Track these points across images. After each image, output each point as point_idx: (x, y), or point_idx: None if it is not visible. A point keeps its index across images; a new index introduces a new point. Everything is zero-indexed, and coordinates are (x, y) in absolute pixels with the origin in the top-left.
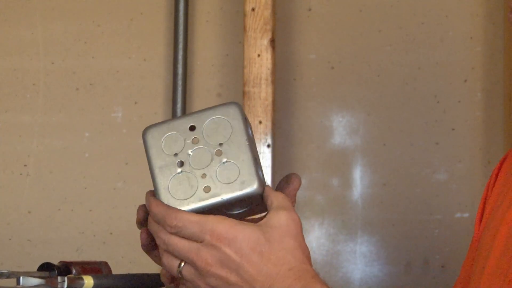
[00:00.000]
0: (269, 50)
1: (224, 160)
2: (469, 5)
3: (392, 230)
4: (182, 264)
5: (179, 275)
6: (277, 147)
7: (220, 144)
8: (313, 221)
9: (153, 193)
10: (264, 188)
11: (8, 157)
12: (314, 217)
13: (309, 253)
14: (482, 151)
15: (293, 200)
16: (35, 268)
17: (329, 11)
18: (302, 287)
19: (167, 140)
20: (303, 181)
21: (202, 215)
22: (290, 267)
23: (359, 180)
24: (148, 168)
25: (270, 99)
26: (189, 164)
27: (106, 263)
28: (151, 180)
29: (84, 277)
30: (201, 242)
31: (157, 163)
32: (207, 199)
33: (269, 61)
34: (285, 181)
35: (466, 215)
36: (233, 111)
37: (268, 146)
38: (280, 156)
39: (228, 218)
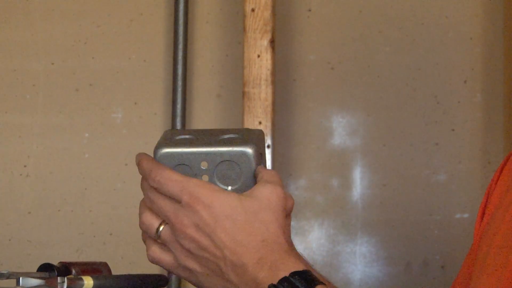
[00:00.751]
0: (269, 51)
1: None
2: (469, 6)
3: (392, 231)
4: (162, 226)
5: (157, 237)
6: (277, 148)
7: (228, 187)
8: (313, 222)
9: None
10: (256, 162)
11: (8, 157)
12: (314, 217)
13: (289, 230)
14: (482, 152)
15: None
16: (35, 269)
17: (329, 12)
18: (275, 257)
19: (178, 171)
20: (303, 182)
21: (186, 176)
22: (263, 239)
23: (359, 180)
24: None
25: (270, 99)
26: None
27: (106, 264)
28: None
29: (84, 277)
30: (179, 202)
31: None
32: None
33: (269, 61)
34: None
35: (466, 215)
36: (246, 161)
37: (268, 146)
38: (280, 157)
39: (210, 183)
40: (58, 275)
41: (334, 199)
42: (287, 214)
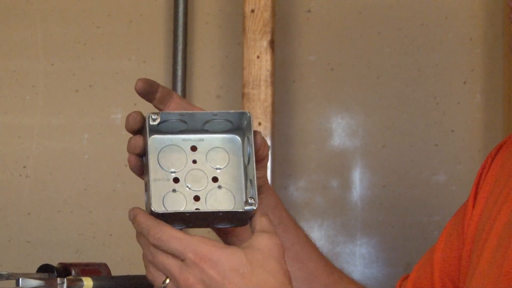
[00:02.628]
0: (269, 52)
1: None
2: (469, 7)
3: (391, 232)
4: (167, 280)
5: (165, 286)
6: (277, 148)
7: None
8: (312, 223)
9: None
10: (250, 211)
11: (8, 158)
12: (314, 218)
13: (290, 276)
14: (482, 153)
15: (266, 162)
16: (34, 270)
17: (328, 13)
18: None
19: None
20: (302, 182)
21: (187, 234)
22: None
23: (358, 181)
24: (144, 169)
25: (269, 100)
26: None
27: (105, 265)
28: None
29: (84, 278)
30: (183, 260)
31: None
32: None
33: (269, 62)
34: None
35: None
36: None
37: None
38: (279, 157)
39: (211, 239)
40: (57, 276)
41: (334, 200)
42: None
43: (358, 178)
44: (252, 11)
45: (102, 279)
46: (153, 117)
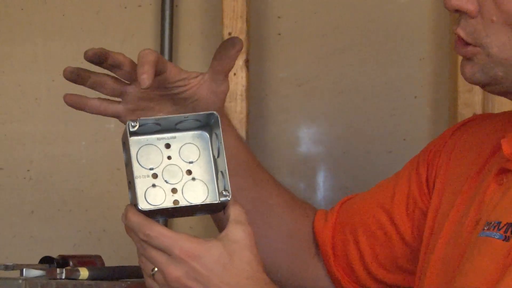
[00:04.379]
0: (244, 70)
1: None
2: (420, 30)
3: None
4: (155, 269)
5: (152, 276)
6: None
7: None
8: None
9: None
10: (224, 202)
11: (13, 163)
12: None
13: (262, 262)
14: None
15: (233, 61)
16: (37, 262)
17: (296, 35)
18: None
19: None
20: None
21: (173, 231)
22: (248, 276)
23: (322, 183)
24: (127, 170)
25: (244, 112)
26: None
27: (99, 257)
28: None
29: (80, 268)
30: (169, 255)
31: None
32: (175, 204)
33: (244, 79)
34: (230, 44)
35: None
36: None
37: None
38: None
39: (194, 236)
40: (57, 267)
41: (302, 197)
42: None
43: (322, 180)
44: (230, 34)
45: (96, 269)
46: (132, 124)
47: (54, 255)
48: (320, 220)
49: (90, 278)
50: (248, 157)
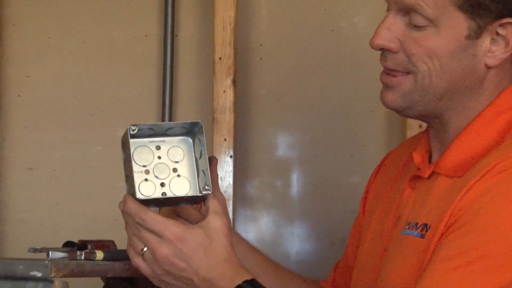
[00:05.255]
0: (232, 88)
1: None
2: (376, 58)
3: (319, 217)
4: (145, 248)
5: (141, 254)
6: (237, 157)
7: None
8: (262, 211)
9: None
10: (205, 195)
11: (42, 164)
12: (264, 208)
13: (234, 249)
14: None
15: (216, 180)
16: (60, 245)
17: (275, 60)
18: (232, 272)
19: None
20: (256, 183)
21: (164, 217)
22: (224, 259)
23: (295, 181)
24: (125, 166)
25: (232, 122)
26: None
27: (112, 241)
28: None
29: (96, 251)
30: (160, 236)
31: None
32: (163, 195)
33: (232, 95)
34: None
35: None
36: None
37: (231, 157)
38: (239, 164)
39: (181, 223)
40: (77, 250)
41: (278, 195)
42: None
43: (295, 179)
44: (220, 58)
45: (110, 251)
46: (132, 128)
47: (75, 240)
48: (324, 282)
49: (105, 259)
50: (263, 257)
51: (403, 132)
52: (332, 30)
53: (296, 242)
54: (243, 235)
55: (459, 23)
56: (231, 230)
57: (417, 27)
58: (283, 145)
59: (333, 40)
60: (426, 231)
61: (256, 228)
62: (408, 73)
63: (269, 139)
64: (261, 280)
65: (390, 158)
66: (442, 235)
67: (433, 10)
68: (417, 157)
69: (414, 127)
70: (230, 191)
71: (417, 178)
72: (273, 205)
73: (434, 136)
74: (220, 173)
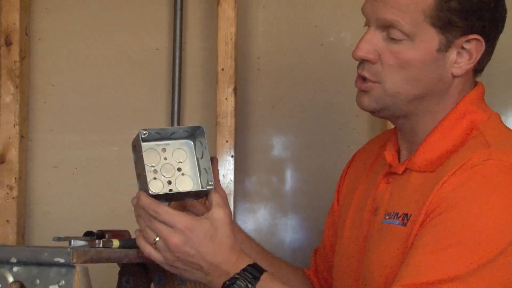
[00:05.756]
0: (233, 95)
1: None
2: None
3: (309, 210)
4: (157, 239)
5: (153, 244)
6: (238, 157)
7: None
8: (260, 205)
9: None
10: (208, 190)
11: (65, 163)
12: (261, 202)
13: (236, 238)
14: None
15: (218, 178)
16: (81, 235)
17: (271, 70)
18: (236, 258)
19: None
20: (255, 179)
21: (175, 210)
22: (228, 246)
23: (289, 178)
24: (136, 166)
25: (233, 126)
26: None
27: (127, 231)
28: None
29: (113, 240)
30: (172, 227)
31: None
32: (171, 191)
33: (233, 102)
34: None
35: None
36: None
37: (232, 156)
38: (239, 163)
39: (190, 214)
40: (96, 238)
41: (274, 190)
42: None
43: (289, 176)
44: (222, 69)
45: (125, 240)
46: (143, 132)
47: (94, 230)
48: (307, 270)
49: (121, 246)
50: (258, 246)
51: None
52: (322, 44)
53: (289, 231)
54: (243, 225)
55: (431, 38)
56: (232, 220)
57: (394, 41)
58: (278, 146)
59: (322, 53)
60: (407, 220)
61: (255, 220)
62: (378, 82)
63: (265, 141)
64: None
65: (359, 155)
66: (421, 223)
67: (410, 26)
68: (388, 156)
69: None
70: (231, 186)
71: (391, 174)
72: (269, 199)
73: (402, 137)
74: (222, 171)
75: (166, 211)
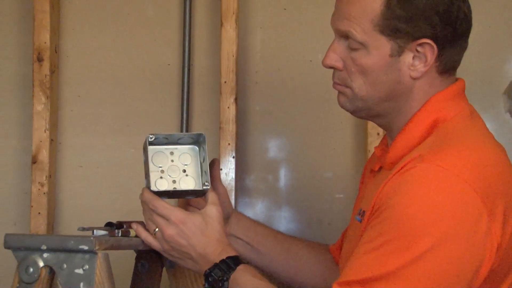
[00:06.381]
0: (234, 104)
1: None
2: None
3: (301, 204)
4: (156, 229)
5: (153, 234)
6: (238, 158)
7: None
8: (258, 199)
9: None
10: (206, 190)
11: (89, 163)
12: (259, 197)
13: (225, 232)
14: (353, 161)
15: (218, 176)
16: (103, 225)
17: (268, 83)
18: (221, 249)
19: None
20: (253, 177)
21: (171, 205)
22: (216, 239)
23: (283, 176)
24: (144, 166)
25: (234, 131)
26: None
27: (142, 222)
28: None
29: (130, 230)
30: (167, 220)
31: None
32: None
33: (234, 110)
34: (210, 166)
35: (341, 195)
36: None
37: (233, 157)
38: (240, 162)
39: (183, 209)
40: (115, 228)
41: (270, 187)
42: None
43: (283, 175)
44: (225, 82)
45: None
46: (150, 136)
47: (114, 221)
48: (332, 246)
49: (136, 236)
50: (264, 227)
51: (365, 138)
52: (310, 60)
53: (283, 222)
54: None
55: (383, 45)
56: (236, 211)
57: (353, 49)
58: (274, 148)
59: (311, 68)
60: (362, 216)
61: (253, 212)
62: (347, 87)
63: (262, 144)
64: (262, 245)
65: (372, 155)
66: (367, 221)
67: (362, 35)
68: (377, 151)
69: (373, 134)
70: (232, 183)
71: (374, 171)
72: (266, 194)
73: (387, 134)
74: (225, 170)
75: (163, 205)
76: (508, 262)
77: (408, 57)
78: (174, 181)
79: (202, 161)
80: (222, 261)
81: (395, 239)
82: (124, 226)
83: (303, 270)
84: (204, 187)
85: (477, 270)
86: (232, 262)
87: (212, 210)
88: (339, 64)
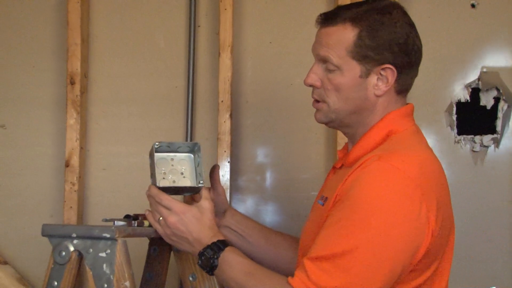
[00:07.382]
0: (229, 119)
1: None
2: None
3: (283, 200)
4: (161, 218)
5: (158, 221)
6: (232, 162)
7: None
8: (248, 196)
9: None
10: (200, 187)
11: (112, 167)
12: (249, 194)
13: (215, 223)
14: (325, 166)
15: (218, 179)
16: (121, 217)
17: (256, 101)
18: (213, 234)
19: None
20: (244, 178)
21: (173, 199)
22: (209, 226)
23: (269, 177)
24: (150, 168)
25: (229, 141)
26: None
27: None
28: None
29: (144, 221)
30: (170, 210)
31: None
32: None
33: (229, 124)
34: (211, 170)
35: (315, 193)
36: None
37: (228, 162)
38: (234, 166)
39: (182, 202)
40: (132, 220)
41: (258, 186)
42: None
43: (269, 176)
44: (222, 101)
45: None
46: (156, 144)
47: (131, 213)
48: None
49: (150, 226)
50: (253, 221)
51: (334, 148)
52: (291, 84)
53: (269, 215)
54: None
55: (354, 68)
56: (231, 207)
57: (330, 71)
58: (261, 155)
59: (292, 90)
60: (325, 201)
61: (244, 207)
62: (324, 102)
63: (252, 151)
64: (250, 236)
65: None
66: (331, 207)
67: (337, 60)
68: (340, 153)
69: (342, 144)
70: (228, 183)
71: (336, 168)
72: (255, 192)
73: (349, 141)
74: (222, 172)
75: (167, 198)
76: (438, 245)
77: (373, 78)
78: (174, 181)
79: (197, 165)
80: (213, 243)
81: (354, 222)
82: (139, 218)
83: (280, 255)
84: (199, 185)
85: (417, 249)
86: (222, 244)
87: (205, 203)
88: (318, 83)
